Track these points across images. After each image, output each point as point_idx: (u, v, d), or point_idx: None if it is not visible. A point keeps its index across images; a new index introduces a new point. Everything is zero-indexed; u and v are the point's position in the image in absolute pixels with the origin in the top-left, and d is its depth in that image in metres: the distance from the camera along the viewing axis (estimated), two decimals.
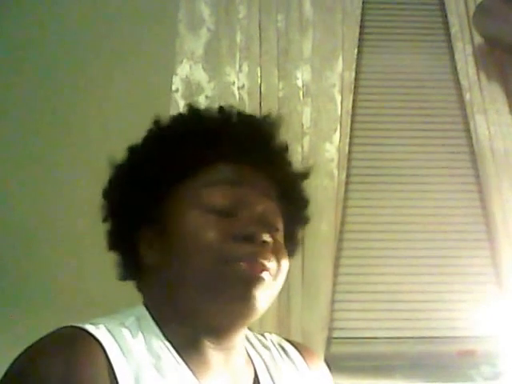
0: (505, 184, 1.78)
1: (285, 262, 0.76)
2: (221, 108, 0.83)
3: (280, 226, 0.79)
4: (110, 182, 0.79)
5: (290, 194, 0.83)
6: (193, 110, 0.83)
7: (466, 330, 1.74)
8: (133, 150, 0.80)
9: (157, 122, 0.80)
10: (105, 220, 0.79)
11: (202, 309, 0.71)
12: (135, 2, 1.97)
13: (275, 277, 0.73)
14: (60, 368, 0.60)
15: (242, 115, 0.84)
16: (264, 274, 0.70)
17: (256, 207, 0.75)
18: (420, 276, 1.80)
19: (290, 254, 0.82)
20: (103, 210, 0.79)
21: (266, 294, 0.72)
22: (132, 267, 0.79)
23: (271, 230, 0.75)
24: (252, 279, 0.70)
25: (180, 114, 0.85)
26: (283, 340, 0.89)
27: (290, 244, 0.84)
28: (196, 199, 0.74)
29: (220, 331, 0.73)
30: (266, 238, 0.72)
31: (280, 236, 0.78)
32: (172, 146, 0.78)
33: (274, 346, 0.86)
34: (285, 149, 0.85)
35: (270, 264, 0.72)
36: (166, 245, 0.73)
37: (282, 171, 0.82)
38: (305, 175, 0.88)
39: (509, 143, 1.82)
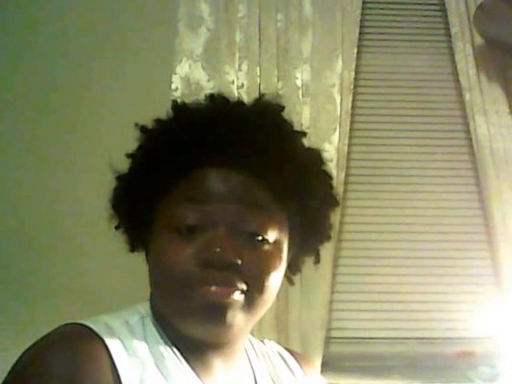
0: (504, 185, 1.78)
1: (270, 277, 0.68)
2: (210, 101, 0.75)
3: (272, 235, 0.70)
4: (113, 190, 0.77)
5: (297, 199, 0.73)
6: (176, 111, 0.76)
7: (465, 331, 1.74)
8: (130, 160, 0.77)
9: (143, 129, 0.76)
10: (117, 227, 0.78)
11: (182, 328, 0.69)
12: (135, 1, 1.96)
13: (252, 297, 0.67)
14: (63, 366, 0.59)
15: (230, 107, 0.75)
16: (235, 296, 0.66)
17: (227, 221, 0.67)
18: (419, 277, 1.80)
19: (315, 262, 0.81)
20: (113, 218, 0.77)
21: (240, 316, 0.67)
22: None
23: (252, 241, 0.69)
24: (221, 304, 0.65)
25: (165, 117, 0.76)
26: (280, 347, 0.89)
27: (307, 252, 0.81)
28: (166, 219, 0.69)
29: (204, 343, 0.71)
30: (233, 258, 0.66)
31: (271, 246, 0.70)
32: (152, 157, 0.73)
33: (273, 352, 0.86)
34: (286, 142, 0.73)
35: (242, 286, 0.66)
36: (149, 260, 0.73)
37: (278, 173, 0.70)
38: (316, 170, 0.77)
39: (508, 144, 1.81)
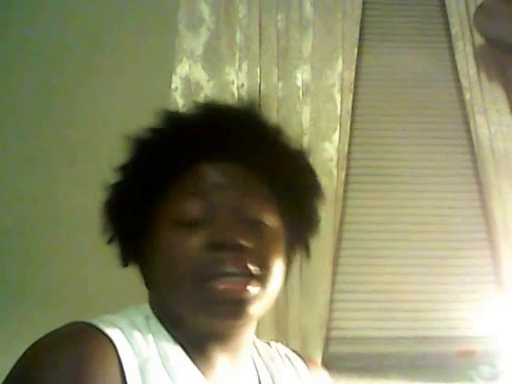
0: (505, 184, 1.78)
1: (275, 261, 0.71)
2: (200, 106, 0.79)
3: (271, 221, 0.73)
4: (106, 196, 0.78)
5: (286, 188, 0.77)
6: (168, 115, 0.79)
7: (466, 329, 1.74)
8: (121, 166, 0.78)
9: (139, 134, 0.78)
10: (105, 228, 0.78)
11: (194, 324, 0.70)
12: (135, 1, 1.97)
13: (264, 282, 0.69)
14: (70, 364, 0.59)
15: (220, 109, 0.79)
16: (251, 289, 0.68)
17: (230, 210, 0.70)
18: (419, 276, 1.80)
19: (303, 253, 0.83)
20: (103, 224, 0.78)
21: (255, 303, 0.69)
22: (139, 270, 0.79)
23: (254, 227, 0.71)
24: (240, 299, 0.67)
25: (157, 122, 0.78)
26: (287, 349, 0.89)
27: (298, 242, 0.82)
28: (169, 213, 0.72)
29: (217, 338, 0.72)
30: (242, 241, 0.68)
31: (271, 232, 0.73)
32: (148, 157, 0.76)
33: (279, 354, 0.86)
34: (273, 136, 0.79)
35: (250, 272, 0.68)
36: (151, 259, 0.73)
37: (270, 164, 0.75)
38: (301, 161, 0.81)
39: (509, 143, 1.82)
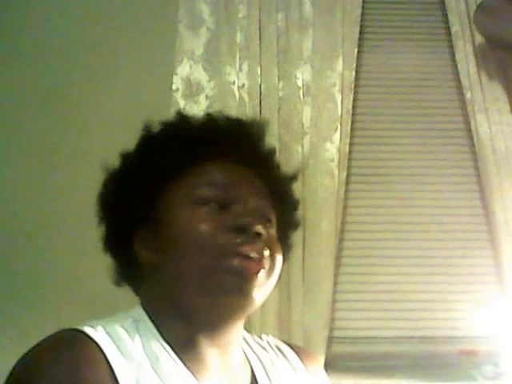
0: (506, 183, 1.78)
1: (278, 256, 0.76)
2: (208, 114, 0.86)
3: (273, 220, 0.80)
4: (104, 185, 0.81)
5: (279, 195, 0.84)
6: (181, 116, 0.86)
7: (468, 329, 1.74)
8: (125, 155, 0.82)
9: (147, 127, 0.82)
10: (100, 223, 0.81)
11: (199, 303, 0.72)
12: (135, 1, 1.96)
13: (269, 272, 0.74)
14: (61, 371, 0.60)
15: (228, 118, 0.86)
16: (260, 273, 0.72)
17: (248, 200, 0.76)
18: (421, 275, 1.80)
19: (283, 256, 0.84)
20: (98, 214, 0.81)
21: (261, 290, 0.73)
22: (128, 269, 0.81)
23: (265, 222, 0.76)
24: (248, 276, 0.71)
25: (169, 120, 0.85)
26: (280, 341, 0.89)
27: (282, 246, 0.84)
28: (187, 196, 0.76)
29: (217, 325, 0.74)
30: (260, 229, 0.73)
31: (274, 230, 0.79)
32: (161, 149, 0.80)
33: (271, 347, 0.86)
34: (272, 151, 0.88)
35: (265, 259, 0.73)
36: (161, 243, 0.75)
37: (270, 171, 0.84)
38: (293, 177, 0.90)
39: (510, 142, 1.81)
